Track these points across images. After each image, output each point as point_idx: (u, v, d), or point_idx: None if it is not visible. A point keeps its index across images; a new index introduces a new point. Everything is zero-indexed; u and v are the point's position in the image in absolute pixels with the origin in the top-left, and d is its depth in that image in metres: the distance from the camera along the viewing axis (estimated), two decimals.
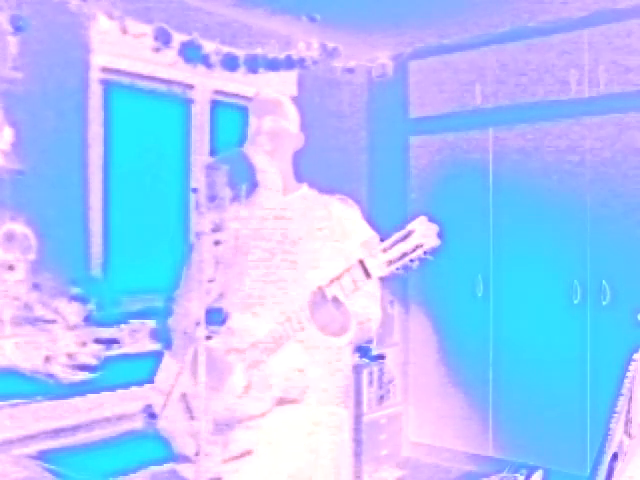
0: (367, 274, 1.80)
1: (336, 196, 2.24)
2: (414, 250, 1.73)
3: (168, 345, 2.23)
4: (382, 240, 1.85)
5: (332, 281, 1.86)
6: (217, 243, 2.01)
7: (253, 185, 2.26)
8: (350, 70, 4.89)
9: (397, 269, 1.76)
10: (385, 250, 1.76)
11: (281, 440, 2.05)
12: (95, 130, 3.72)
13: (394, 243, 1.75)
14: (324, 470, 2.05)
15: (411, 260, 1.74)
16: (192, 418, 2.01)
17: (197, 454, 1.87)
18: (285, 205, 2.21)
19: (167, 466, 3.23)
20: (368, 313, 2.04)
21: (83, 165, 3.66)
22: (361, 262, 1.80)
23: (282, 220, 2.18)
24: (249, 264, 2.16)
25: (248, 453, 2.01)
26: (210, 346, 2.03)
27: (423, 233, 1.73)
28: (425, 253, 1.73)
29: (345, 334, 1.95)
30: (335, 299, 1.86)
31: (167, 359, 2.22)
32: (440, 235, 1.76)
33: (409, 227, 1.74)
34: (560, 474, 3.97)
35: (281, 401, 2.01)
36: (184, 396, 2.06)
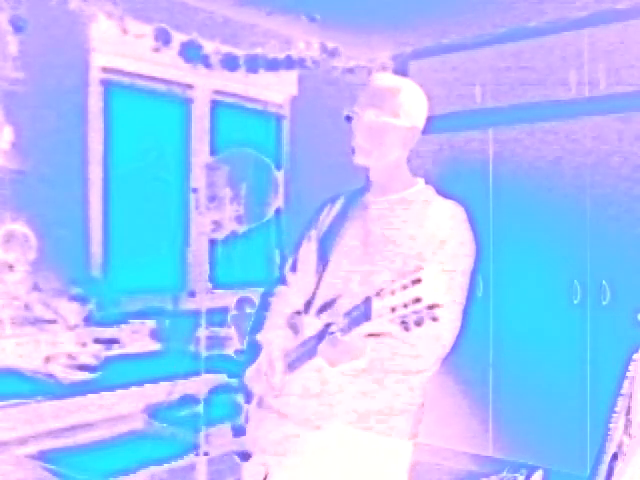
0: (366, 316, 1.54)
1: (448, 203, 1.95)
2: (413, 302, 1.47)
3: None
4: None
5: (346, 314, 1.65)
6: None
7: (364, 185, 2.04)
8: (350, 70, 4.88)
9: (397, 319, 1.50)
10: (393, 293, 1.49)
11: (324, 456, 1.84)
12: (95, 130, 3.73)
13: (402, 288, 1.48)
14: None
15: (414, 312, 1.47)
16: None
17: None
18: (384, 206, 1.94)
19: (167, 466, 3.24)
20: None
21: (83, 165, 3.66)
22: (367, 300, 1.55)
23: (375, 225, 1.92)
24: (337, 264, 1.94)
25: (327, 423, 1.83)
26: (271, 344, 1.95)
27: (428, 286, 1.46)
28: (427, 309, 1.47)
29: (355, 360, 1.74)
30: (331, 335, 1.66)
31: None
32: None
33: (415, 275, 1.48)
34: (560, 474, 3.97)
35: (305, 422, 1.83)
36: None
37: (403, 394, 1.89)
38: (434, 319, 1.49)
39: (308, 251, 2.07)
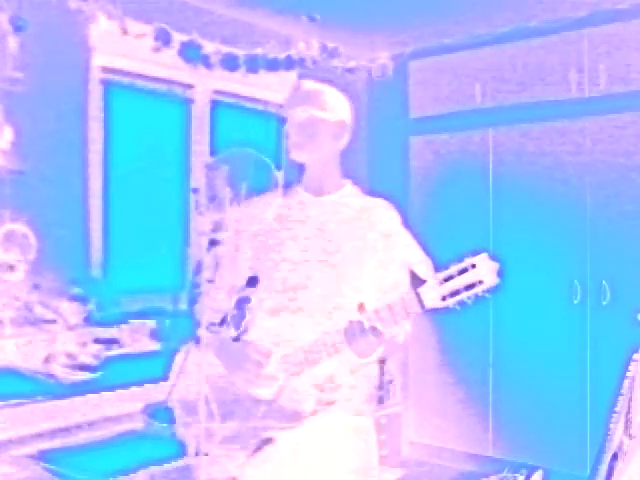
0: (422, 305, 1.74)
1: (380, 200, 2.12)
2: (472, 286, 1.69)
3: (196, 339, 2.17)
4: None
5: (377, 311, 1.78)
6: (215, 243, 1.97)
7: (293, 181, 2.14)
8: (350, 70, 4.88)
9: (453, 304, 1.71)
10: (441, 282, 1.71)
11: (307, 447, 1.95)
12: (95, 130, 3.72)
13: (452, 276, 1.69)
14: (350, 476, 1.96)
15: (468, 297, 1.69)
16: (212, 419, 1.95)
17: (205, 454, 1.86)
18: (324, 205, 2.06)
19: (167, 466, 3.24)
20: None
21: (83, 165, 3.66)
22: (417, 293, 1.74)
23: (320, 221, 2.04)
24: (282, 264, 2.02)
25: (269, 441, 1.92)
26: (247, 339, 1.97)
27: (484, 270, 1.68)
28: (483, 291, 1.69)
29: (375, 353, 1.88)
30: (374, 328, 1.78)
31: (194, 354, 2.13)
32: (500, 273, 1.72)
33: (470, 261, 1.69)
34: (560, 474, 3.97)
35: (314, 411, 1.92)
36: (207, 399, 2.01)
37: (376, 374, 2.08)
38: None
39: (235, 246, 2.13)
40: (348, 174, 2.19)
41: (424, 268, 1.91)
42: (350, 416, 1.98)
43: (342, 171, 2.13)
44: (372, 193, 2.15)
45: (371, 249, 2.00)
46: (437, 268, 1.80)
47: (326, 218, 2.04)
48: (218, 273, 2.18)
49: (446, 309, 1.74)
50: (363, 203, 2.08)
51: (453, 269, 1.69)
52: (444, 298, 1.70)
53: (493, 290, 1.70)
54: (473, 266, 1.68)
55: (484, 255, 1.70)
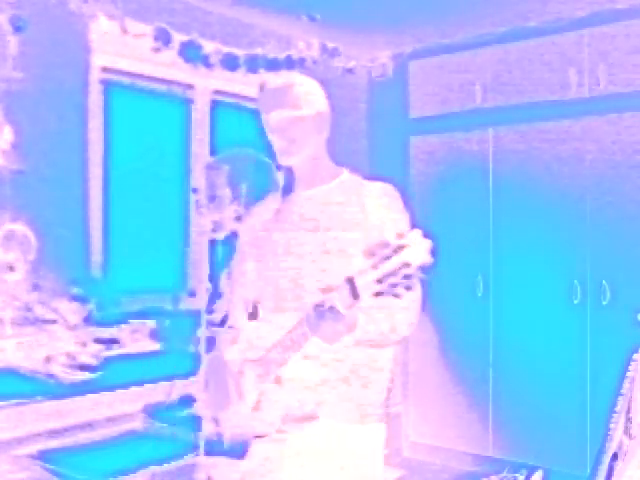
0: (355, 294, 1.62)
1: (379, 184, 2.01)
2: (402, 268, 1.55)
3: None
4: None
5: (337, 288, 1.69)
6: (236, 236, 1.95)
7: (286, 184, 2.11)
8: (350, 70, 4.88)
9: (387, 288, 1.58)
10: (375, 267, 1.58)
11: (306, 456, 1.91)
12: (95, 130, 3.72)
13: (384, 259, 1.57)
14: None
15: (405, 277, 1.56)
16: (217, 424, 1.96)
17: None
18: (315, 197, 2.00)
19: (167, 466, 3.24)
20: (388, 322, 1.88)
21: (83, 165, 3.66)
22: (350, 280, 1.63)
23: (312, 215, 1.98)
24: (277, 266, 2.00)
25: (312, 417, 1.87)
26: (222, 358, 1.98)
27: (413, 249, 1.55)
28: (418, 270, 1.57)
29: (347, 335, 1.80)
30: (332, 308, 1.68)
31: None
32: (433, 251, 1.59)
33: (403, 242, 1.56)
34: (560, 474, 3.97)
35: (295, 418, 1.88)
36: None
37: (374, 381, 1.99)
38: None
39: (240, 259, 2.13)
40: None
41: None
42: (339, 425, 1.91)
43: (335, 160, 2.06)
44: (375, 178, 2.05)
45: (364, 237, 1.90)
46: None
47: (318, 211, 1.98)
48: (229, 287, 2.17)
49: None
50: (358, 190, 1.99)
51: (383, 253, 1.58)
52: (379, 281, 1.58)
53: (428, 269, 1.60)
54: (402, 247, 1.57)
55: (415, 233, 1.58)
